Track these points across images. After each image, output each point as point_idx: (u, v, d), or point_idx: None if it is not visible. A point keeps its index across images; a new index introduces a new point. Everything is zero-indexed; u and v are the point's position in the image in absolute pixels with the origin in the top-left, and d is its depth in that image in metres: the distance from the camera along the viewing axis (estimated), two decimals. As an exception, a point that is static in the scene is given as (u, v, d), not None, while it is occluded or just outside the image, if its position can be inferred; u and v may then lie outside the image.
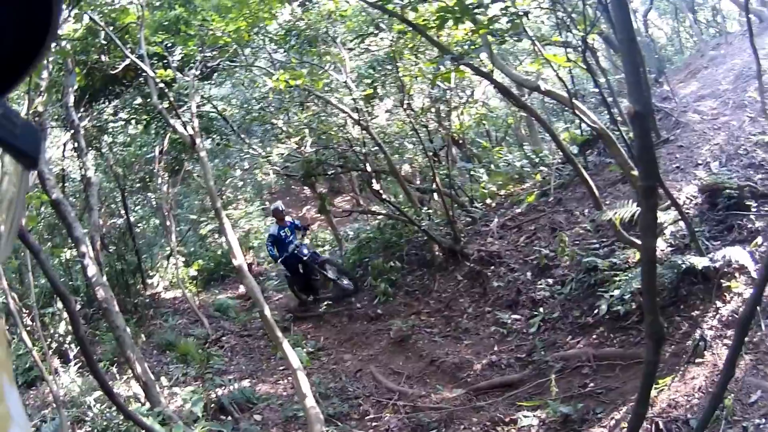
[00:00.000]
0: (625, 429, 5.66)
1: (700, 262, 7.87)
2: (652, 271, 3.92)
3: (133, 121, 17.92)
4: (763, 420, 5.53)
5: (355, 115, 13.90)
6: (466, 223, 14.53)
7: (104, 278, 9.65)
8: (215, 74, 16.08)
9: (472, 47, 9.17)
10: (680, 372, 6.93)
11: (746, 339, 6.65)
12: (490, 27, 8.46)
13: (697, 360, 6.98)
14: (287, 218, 15.88)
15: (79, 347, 10.08)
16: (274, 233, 15.40)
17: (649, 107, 3.54)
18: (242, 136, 17.50)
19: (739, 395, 6.01)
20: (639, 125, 3.55)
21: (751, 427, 5.52)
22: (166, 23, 12.98)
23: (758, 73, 10.64)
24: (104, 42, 12.84)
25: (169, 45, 13.10)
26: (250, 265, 17.88)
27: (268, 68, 15.81)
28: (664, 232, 9.22)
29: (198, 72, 12.60)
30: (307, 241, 16.48)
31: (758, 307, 6.97)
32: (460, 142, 18.86)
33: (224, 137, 18.47)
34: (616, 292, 8.55)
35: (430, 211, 15.47)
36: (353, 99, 13.87)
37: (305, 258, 14.87)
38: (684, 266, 8.02)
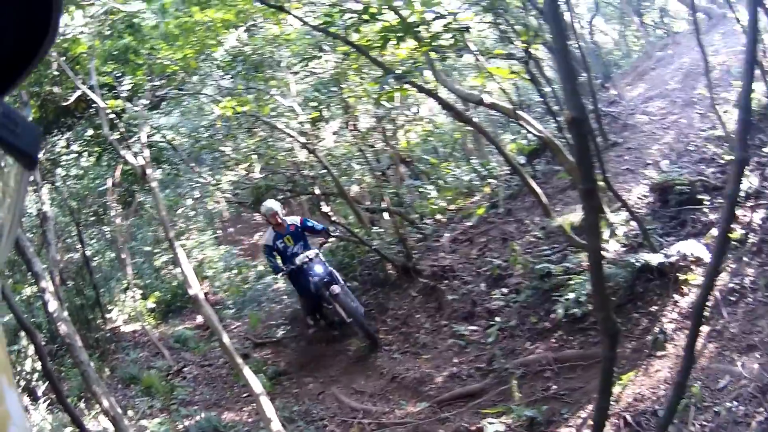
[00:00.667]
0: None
1: (654, 258, 8.09)
2: (599, 269, 4.00)
3: (85, 153, 17.86)
4: (735, 403, 5.59)
5: (302, 139, 13.89)
6: (418, 239, 14.52)
7: (65, 313, 9.60)
8: (163, 103, 16.04)
9: (416, 65, 9.25)
10: (643, 366, 7.04)
11: (710, 328, 6.86)
12: (433, 44, 8.56)
13: (659, 353, 7.11)
14: (290, 220, 12.65)
15: (47, 383, 10.02)
16: (269, 244, 12.44)
17: (585, 112, 3.61)
18: (192, 164, 17.40)
19: (707, 382, 6.10)
20: (576, 130, 3.63)
21: (723, 411, 5.57)
22: (116, 52, 12.94)
23: (706, 70, 10.83)
24: (56, 73, 12.83)
25: (119, 75, 13.09)
26: (206, 295, 17.74)
27: (216, 95, 15.81)
28: (616, 233, 9.37)
29: (147, 101, 12.60)
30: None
31: (719, 296, 7.15)
32: (408, 160, 18.90)
33: (174, 167, 18.40)
34: (572, 296, 8.66)
35: (381, 230, 15.35)
36: (299, 123, 13.89)
37: (315, 280, 11.74)
38: (638, 264, 8.21)
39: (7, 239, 0.83)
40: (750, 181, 8.87)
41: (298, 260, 11.91)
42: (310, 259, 11.91)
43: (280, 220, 12.28)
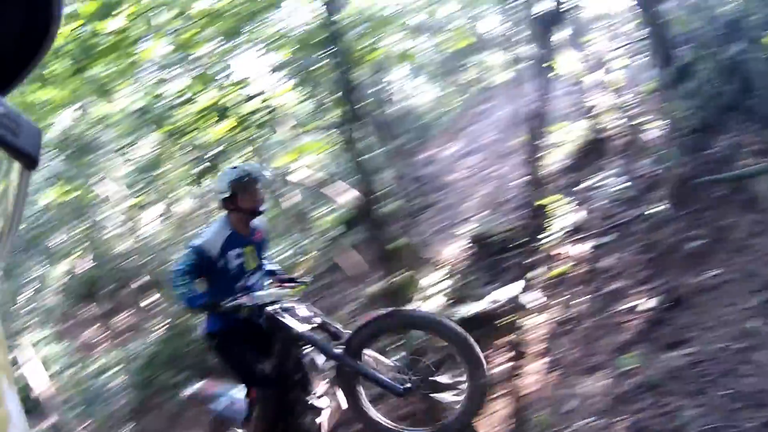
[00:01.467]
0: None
1: (474, 307, 8.41)
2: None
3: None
4: (592, 417, 5.67)
5: (127, 225, 13.75)
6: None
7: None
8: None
9: (232, 144, 9.51)
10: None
11: (550, 358, 7.14)
12: (248, 122, 8.84)
13: (495, 394, 7.13)
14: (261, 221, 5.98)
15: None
16: (202, 247, 5.44)
17: (372, 192, 3.99)
18: (28, 254, 16.99)
19: (556, 407, 6.19)
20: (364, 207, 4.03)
21: (580, 428, 5.65)
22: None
23: (525, 117, 11.25)
24: None
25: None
26: (53, 394, 17.11)
27: (49, 178, 15.48)
28: (428, 292, 9.63)
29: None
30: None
31: (555, 328, 7.61)
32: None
33: (12, 258, 17.91)
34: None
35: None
36: (124, 208, 13.82)
37: (298, 339, 5.42)
38: (460, 316, 8.48)
39: (7, 239, 0.86)
40: (577, 216, 9.50)
41: (258, 297, 5.51)
42: (285, 310, 5.56)
43: (260, 206, 5.73)
